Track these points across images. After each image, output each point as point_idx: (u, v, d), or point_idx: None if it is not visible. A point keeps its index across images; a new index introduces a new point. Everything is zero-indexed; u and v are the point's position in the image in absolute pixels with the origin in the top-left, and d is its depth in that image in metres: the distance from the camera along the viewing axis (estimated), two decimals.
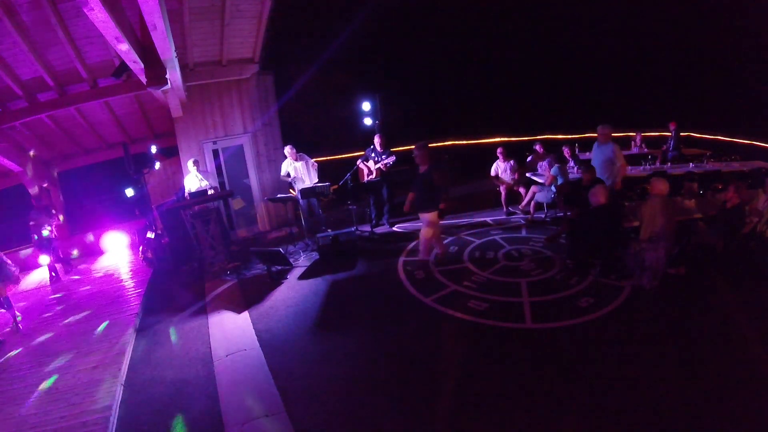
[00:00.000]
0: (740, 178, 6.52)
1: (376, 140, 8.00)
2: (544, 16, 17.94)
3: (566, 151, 9.10)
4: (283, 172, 7.84)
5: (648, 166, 8.29)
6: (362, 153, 8.26)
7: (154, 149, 8.18)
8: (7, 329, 5.55)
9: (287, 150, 7.72)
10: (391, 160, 7.86)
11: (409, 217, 8.53)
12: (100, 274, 7.59)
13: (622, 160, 6.33)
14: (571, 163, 8.62)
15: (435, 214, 5.55)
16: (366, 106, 9.42)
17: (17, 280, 5.91)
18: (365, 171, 8.16)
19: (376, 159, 7.95)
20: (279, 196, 7.94)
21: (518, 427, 3.05)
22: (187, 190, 7.35)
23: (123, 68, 5.63)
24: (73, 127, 8.61)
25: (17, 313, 5.64)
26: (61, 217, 9.18)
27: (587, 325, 4.17)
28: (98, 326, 5.28)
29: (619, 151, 6.34)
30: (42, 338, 5.19)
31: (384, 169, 7.91)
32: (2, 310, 5.58)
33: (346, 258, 6.57)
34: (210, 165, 8.66)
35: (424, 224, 5.66)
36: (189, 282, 6.73)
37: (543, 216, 7.62)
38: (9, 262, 5.68)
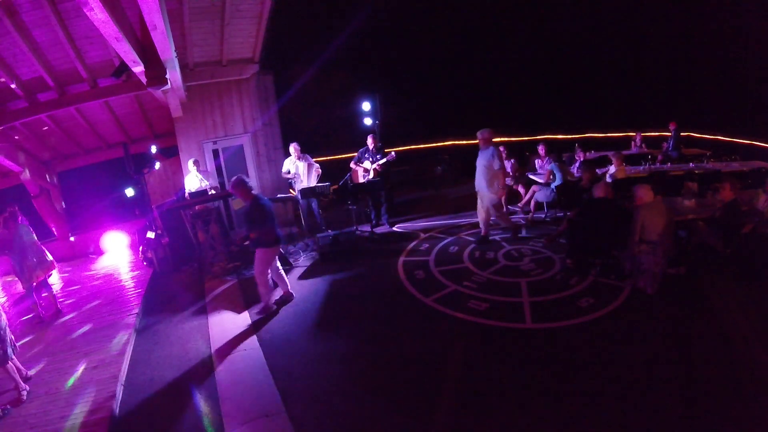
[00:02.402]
0: (740, 178, 6.51)
1: (369, 140, 8.01)
2: (544, 16, 17.97)
3: (579, 155, 8.97)
4: (284, 169, 7.86)
5: (648, 166, 8.28)
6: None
7: (154, 149, 8.19)
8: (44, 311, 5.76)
9: (292, 147, 7.73)
10: (391, 157, 7.86)
11: (409, 217, 8.56)
12: (100, 275, 7.59)
13: (501, 163, 6.18)
14: (577, 164, 8.59)
15: (261, 251, 5.10)
16: (366, 106, 9.42)
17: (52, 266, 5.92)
18: (360, 172, 8.16)
19: (372, 159, 7.95)
20: (279, 196, 7.96)
21: (518, 427, 3.05)
22: (187, 190, 7.36)
23: (123, 68, 5.63)
24: (73, 127, 8.62)
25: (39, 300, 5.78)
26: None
27: (587, 325, 4.17)
28: (98, 326, 5.28)
29: (499, 154, 6.17)
30: (42, 338, 5.19)
31: (379, 169, 7.91)
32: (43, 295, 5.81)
33: (346, 258, 6.57)
34: (210, 165, 8.66)
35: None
36: (189, 282, 6.73)
37: (543, 215, 7.63)
38: (43, 248, 5.79)
